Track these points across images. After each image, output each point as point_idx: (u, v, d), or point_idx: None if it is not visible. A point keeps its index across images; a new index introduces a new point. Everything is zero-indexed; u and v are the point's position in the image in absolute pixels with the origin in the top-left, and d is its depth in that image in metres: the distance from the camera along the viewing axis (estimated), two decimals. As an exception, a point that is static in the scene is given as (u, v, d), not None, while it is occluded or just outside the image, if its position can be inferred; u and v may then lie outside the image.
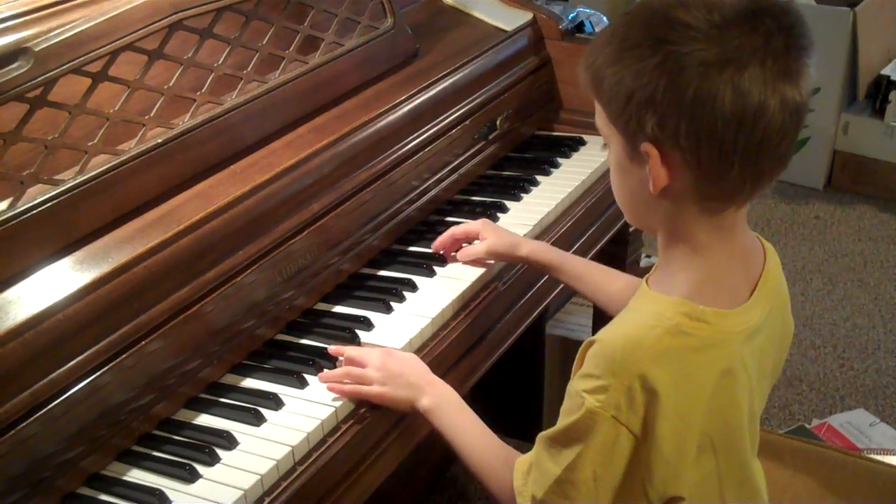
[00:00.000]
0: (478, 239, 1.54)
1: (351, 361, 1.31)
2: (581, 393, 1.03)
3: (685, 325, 1.01)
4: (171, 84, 1.39)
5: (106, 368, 1.16)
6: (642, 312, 1.06)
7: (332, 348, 1.34)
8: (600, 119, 1.06)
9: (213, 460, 1.17)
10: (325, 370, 1.31)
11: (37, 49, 1.22)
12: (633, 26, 0.99)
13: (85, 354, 1.14)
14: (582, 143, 1.99)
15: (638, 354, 1.00)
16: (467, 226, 1.56)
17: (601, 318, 1.71)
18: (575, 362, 1.08)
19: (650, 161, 0.99)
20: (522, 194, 1.79)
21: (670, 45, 0.94)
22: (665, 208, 1.04)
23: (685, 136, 0.96)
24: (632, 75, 0.97)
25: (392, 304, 1.46)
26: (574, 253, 1.76)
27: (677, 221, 1.04)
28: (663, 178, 0.99)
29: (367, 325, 1.42)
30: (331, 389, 1.28)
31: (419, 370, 1.31)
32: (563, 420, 1.05)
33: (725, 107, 0.94)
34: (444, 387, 1.29)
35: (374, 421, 1.27)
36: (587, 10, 3.00)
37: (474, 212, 1.73)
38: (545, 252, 1.53)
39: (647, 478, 1.03)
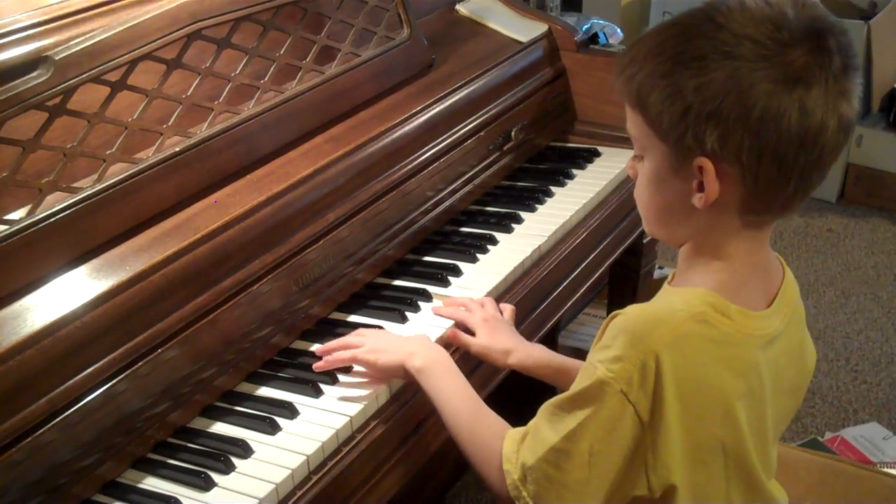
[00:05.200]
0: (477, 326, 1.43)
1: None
2: (595, 362, 1.02)
3: (710, 315, 1.01)
4: (188, 93, 1.40)
5: (122, 376, 1.17)
6: (669, 299, 1.06)
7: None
8: (638, 131, 1.04)
9: (228, 469, 1.17)
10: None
11: (57, 58, 1.22)
12: (691, 39, 0.97)
13: (101, 362, 1.15)
14: (597, 154, 1.99)
15: (659, 332, 0.99)
16: (468, 317, 1.43)
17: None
18: (596, 337, 1.07)
19: (705, 176, 0.98)
20: (537, 205, 1.80)
21: (738, 61, 0.94)
22: (700, 221, 1.03)
23: (747, 152, 0.96)
24: (692, 88, 0.95)
25: (407, 313, 1.47)
26: (589, 263, 1.77)
27: (711, 234, 1.04)
28: (715, 192, 0.99)
29: (381, 334, 1.42)
30: (326, 360, 1.32)
31: (417, 337, 1.33)
32: (572, 388, 1.04)
33: (791, 125, 0.94)
34: (438, 350, 1.30)
35: (389, 430, 1.28)
36: (601, 22, 3.02)
37: (489, 222, 1.73)
38: (538, 360, 1.45)
39: (652, 464, 1.02)
